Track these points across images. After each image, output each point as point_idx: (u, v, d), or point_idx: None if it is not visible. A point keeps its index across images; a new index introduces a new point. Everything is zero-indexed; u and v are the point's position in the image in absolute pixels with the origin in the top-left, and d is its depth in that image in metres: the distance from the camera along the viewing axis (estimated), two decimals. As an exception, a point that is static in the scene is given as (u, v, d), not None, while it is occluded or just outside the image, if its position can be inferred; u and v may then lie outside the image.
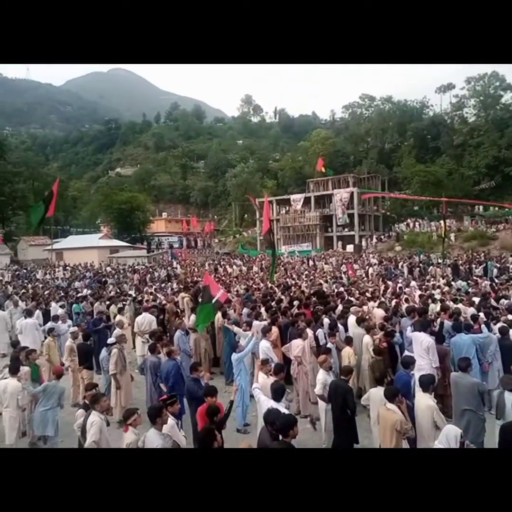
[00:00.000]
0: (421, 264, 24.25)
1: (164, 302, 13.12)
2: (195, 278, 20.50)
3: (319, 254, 37.03)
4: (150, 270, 26.31)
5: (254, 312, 9.70)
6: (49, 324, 10.23)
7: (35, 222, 14.45)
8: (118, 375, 7.69)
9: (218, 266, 27.96)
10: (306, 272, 21.68)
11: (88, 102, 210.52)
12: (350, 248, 40.62)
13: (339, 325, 8.66)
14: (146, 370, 7.40)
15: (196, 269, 26.49)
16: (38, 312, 12.44)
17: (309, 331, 7.91)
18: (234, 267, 27.23)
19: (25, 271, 28.42)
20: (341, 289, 14.41)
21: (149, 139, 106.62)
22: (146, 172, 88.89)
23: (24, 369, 6.92)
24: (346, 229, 45.18)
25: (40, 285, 19.38)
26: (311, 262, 28.98)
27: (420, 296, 12.10)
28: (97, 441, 4.76)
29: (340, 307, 10.45)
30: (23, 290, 16.82)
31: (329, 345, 7.53)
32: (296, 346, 7.60)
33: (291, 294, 12.91)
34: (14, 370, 6.46)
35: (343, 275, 20.25)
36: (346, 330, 8.79)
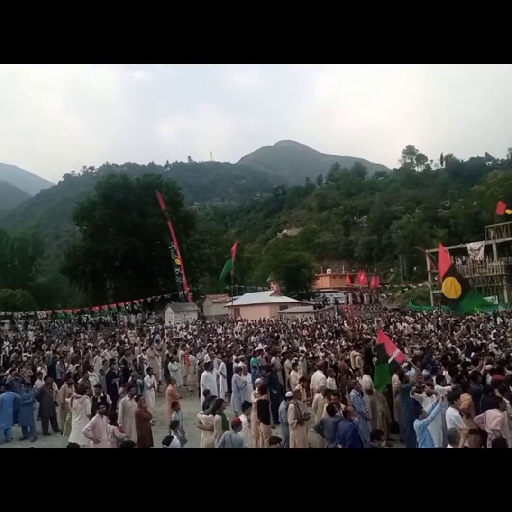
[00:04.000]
0: None
1: (334, 360, 13.06)
2: (365, 335, 19.92)
3: (508, 310, 31.91)
4: (318, 326, 26.65)
5: (436, 375, 8.87)
6: (234, 377, 11.21)
7: (223, 283, 16.40)
8: (295, 430, 7.89)
9: (389, 323, 26.62)
10: (494, 331, 18.90)
11: (258, 174, 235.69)
12: (550, 302, 34.02)
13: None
14: (325, 430, 7.40)
15: (364, 326, 25.74)
16: (222, 364, 13.78)
17: (507, 401, 6.84)
18: (405, 324, 25.53)
19: (209, 326, 31.99)
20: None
21: (312, 201, 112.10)
22: (310, 231, 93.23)
23: (216, 418, 7.70)
24: (542, 280, 38.26)
25: (222, 339, 21.51)
26: (499, 319, 25.18)
27: None
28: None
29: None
30: (209, 344, 18.93)
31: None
32: (493, 418, 6.61)
33: (478, 356, 11.39)
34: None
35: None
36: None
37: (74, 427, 9.21)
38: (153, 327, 31.77)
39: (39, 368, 14.55)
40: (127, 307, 41.45)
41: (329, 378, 10.26)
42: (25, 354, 18.70)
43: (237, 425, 6.95)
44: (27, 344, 24.28)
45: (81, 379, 12.04)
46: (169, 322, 36.01)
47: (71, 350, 19.24)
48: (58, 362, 15.86)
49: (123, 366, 14.51)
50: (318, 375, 10.38)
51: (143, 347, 18.96)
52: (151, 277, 49.53)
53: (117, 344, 21.09)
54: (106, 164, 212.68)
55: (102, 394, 10.50)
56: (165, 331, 28.22)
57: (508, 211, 42.68)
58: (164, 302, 42.08)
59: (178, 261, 45.55)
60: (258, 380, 9.78)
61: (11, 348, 21.63)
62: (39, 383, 12.27)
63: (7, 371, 13.89)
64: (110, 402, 10.32)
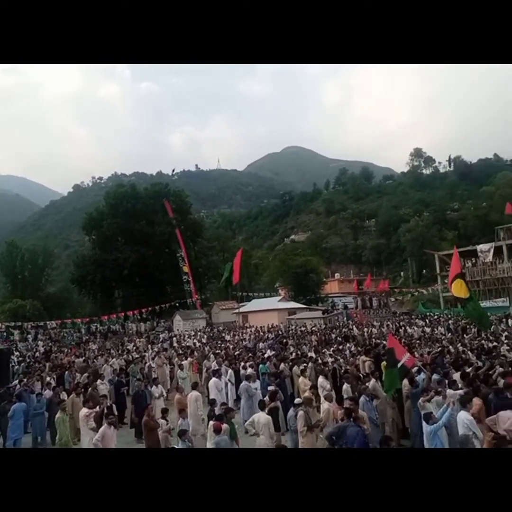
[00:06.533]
0: None
1: (344, 365, 12.92)
2: (374, 340, 19.72)
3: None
4: (327, 331, 26.44)
5: (447, 379, 8.71)
6: (243, 384, 11.11)
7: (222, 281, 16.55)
8: (304, 437, 7.81)
9: (398, 327, 26.35)
10: (506, 333, 18.59)
11: (265, 180, 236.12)
12: None
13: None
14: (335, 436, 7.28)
15: (374, 330, 25.49)
16: (230, 372, 13.70)
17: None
18: (415, 327, 25.26)
19: (217, 332, 31.91)
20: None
21: (320, 206, 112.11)
22: (318, 236, 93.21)
23: (224, 427, 7.62)
24: (555, 281, 37.68)
25: (231, 346, 21.42)
26: (510, 321, 24.80)
27: None
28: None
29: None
30: (217, 351, 18.85)
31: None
32: (507, 418, 6.45)
33: (490, 359, 11.19)
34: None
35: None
36: None
37: (84, 438, 9.23)
38: (162, 335, 31.77)
39: (48, 378, 14.58)
40: (135, 316, 41.57)
41: (345, 384, 10.14)
42: (35, 364, 18.79)
43: (217, 430, 7.17)
44: (37, 354, 24.42)
45: (90, 389, 12.07)
46: (178, 329, 36.01)
47: (79, 360, 19.26)
48: (66, 372, 15.90)
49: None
50: (319, 381, 10.32)
51: (151, 356, 18.94)
52: (160, 285, 49.65)
53: (125, 353, 21.14)
54: (115, 174, 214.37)
55: (108, 404, 10.49)
56: (174, 339, 28.22)
57: (512, 212, 42.66)
58: (173, 310, 42.15)
59: (186, 269, 45.65)
60: (271, 388, 9.72)
61: (20, 358, 21.73)
62: (48, 393, 12.29)
63: (15, 381, 13.95)
64: (116, 412, 10.31)
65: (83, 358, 19.70)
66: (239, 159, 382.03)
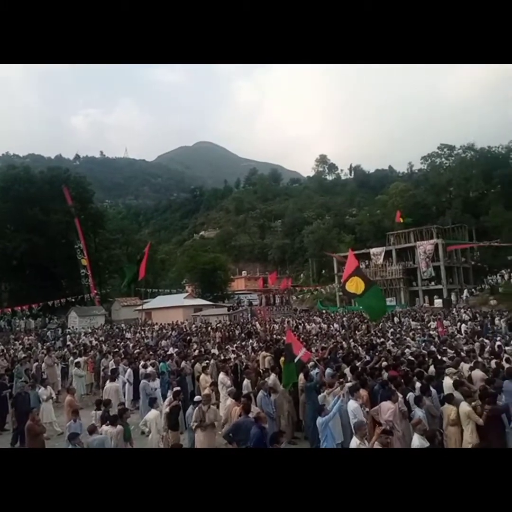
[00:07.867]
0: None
1: (245, 361, 13.12)
2: (275, 336, 20.40)
3: (404, 310, 35.06)
4: (231, 328, 26.72)
5: (339, 373, 9.31)
6: (142, 383, 10.71)
7: (127, 283, 15.71)
8: (198, 433, 7.77)
9: (298, 323, 27.59)
10: (392, 330, 20.55)
11: (176, 173, 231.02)
12: (438, 302, 38.15)
13: (431, 388, 7.99)
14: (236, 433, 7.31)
15: (276, 327, 26.40)
16: (129, 371, 13.12)
17: (400, 395, 7.39)
18: (313, 324, 26.66)
19: (117, 330, 30.41)
20: (432, 348, 13.43)
21: (230, 203, 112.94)
22: (227, 233, 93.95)
23: (118, 428, 7.25)
24: (432, 283, 42.64)
25: (131, 344, 20.52)
26: (396, 319, 27.49)
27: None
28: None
29: (431, 368, 9.72)
30: (115, 349, 17.93)
31: (417, 411, 6.98)
32: (387, 409, 7.08)
33: (377, 353, 12.25)
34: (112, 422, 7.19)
35: (431, 333, 18.93)
36: (439, 392, 8.09)
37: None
38: (50, 332, 29.36)
39: None
40: (24, 311, 37.87)
41: (246, 379, 10.25)
42: None
43: (90, 431, 7.07)
44: None
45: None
46: (73, 327, 33.66)
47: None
48: None
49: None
50: (220, 378, 10.40)
51: (41, 355, 17.38)
52: (54, 278, 45.74)
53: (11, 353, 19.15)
54: (6, 154, 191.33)
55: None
56: (68, 336, 26.27)
57: (400, 220, 47.59)
58: (68, 306, 39.23)
59: (84, 262, 42.82)
60: (177, 388, 9.50)
61: None
62: None
63: None
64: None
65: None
66: (149, 149, 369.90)
